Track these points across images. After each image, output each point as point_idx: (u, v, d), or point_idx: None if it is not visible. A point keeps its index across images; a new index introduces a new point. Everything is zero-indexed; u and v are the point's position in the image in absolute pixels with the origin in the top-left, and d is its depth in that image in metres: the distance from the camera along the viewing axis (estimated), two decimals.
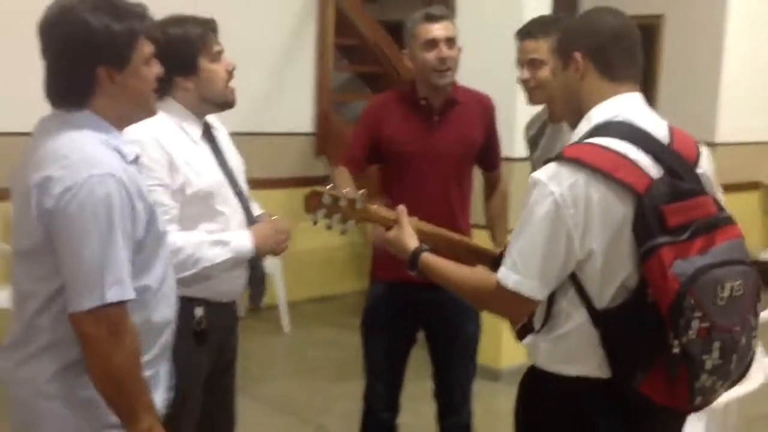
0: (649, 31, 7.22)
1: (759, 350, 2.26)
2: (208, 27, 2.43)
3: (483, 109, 3.26)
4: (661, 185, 1.82)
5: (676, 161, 1.88)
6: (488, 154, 3.29)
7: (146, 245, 1.87)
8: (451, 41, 3.08)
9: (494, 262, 2.12)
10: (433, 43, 3.06)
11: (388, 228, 2.23)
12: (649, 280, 1.79)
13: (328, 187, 2.27)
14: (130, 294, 1.81)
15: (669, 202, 1.80)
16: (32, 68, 1.99)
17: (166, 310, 1.96)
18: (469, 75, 3.41)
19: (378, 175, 3.26)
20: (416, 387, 3.53)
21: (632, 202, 1.81)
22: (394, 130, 3.15)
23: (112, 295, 1.77)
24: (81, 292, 1.77)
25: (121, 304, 1.80)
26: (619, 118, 1.91)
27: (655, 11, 7.16)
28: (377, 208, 2.27)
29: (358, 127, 3.26)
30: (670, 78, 7.19)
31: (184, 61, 2.38)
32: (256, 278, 2.58)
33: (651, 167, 1.84)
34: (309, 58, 6.26)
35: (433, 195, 3.01)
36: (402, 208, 2.22)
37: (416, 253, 2.13)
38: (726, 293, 1.77)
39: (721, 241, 1.82)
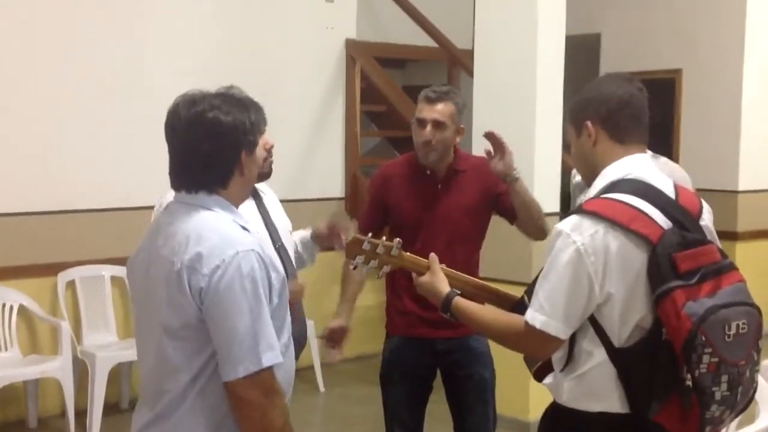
0: (667, 84, 7.39)
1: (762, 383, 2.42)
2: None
3: (482, 174, 3.29)
4: (671, 235, 2.01)
5: (683, 214, 2.07)
6: (507, 206, 3.26)
7: (279, 311, 2.04)
8: (439, 124, 3.17)
9: (515, 306, 2.30)
10: (422, 123, 3.19)
11: (421, 274, 2.39)
12: (663, 320, 1.97)
13: (368, 234, 2.42)
14: (279, 357, 1.97)
15: (679, 250, 1.99)
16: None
17: (291, 366, 2.13)
18: None
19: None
20: None
21: (647, 250, 2.00)
22: (400, 198, 3.28)
23: (267, 360, 1.93)
24: (237, 360, 1.91)
25: (272, 368, 1.95)
26: (631, 176, 2.11)
27: (673, 66, 7.34)
28: (411, 255, 2.43)
29: (369, 197, 3.42)
30: (690, 129, 7.32)
31: None
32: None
33: (661, 220, 2.03)
34: (338, 125, 6.52)
35: (439, 258, 3.08)
36: (434, 256, 2.38)
37: (449, 297, 2.30)
38: (733, 331, 1.95)
39: (726, 285, 2.00)
